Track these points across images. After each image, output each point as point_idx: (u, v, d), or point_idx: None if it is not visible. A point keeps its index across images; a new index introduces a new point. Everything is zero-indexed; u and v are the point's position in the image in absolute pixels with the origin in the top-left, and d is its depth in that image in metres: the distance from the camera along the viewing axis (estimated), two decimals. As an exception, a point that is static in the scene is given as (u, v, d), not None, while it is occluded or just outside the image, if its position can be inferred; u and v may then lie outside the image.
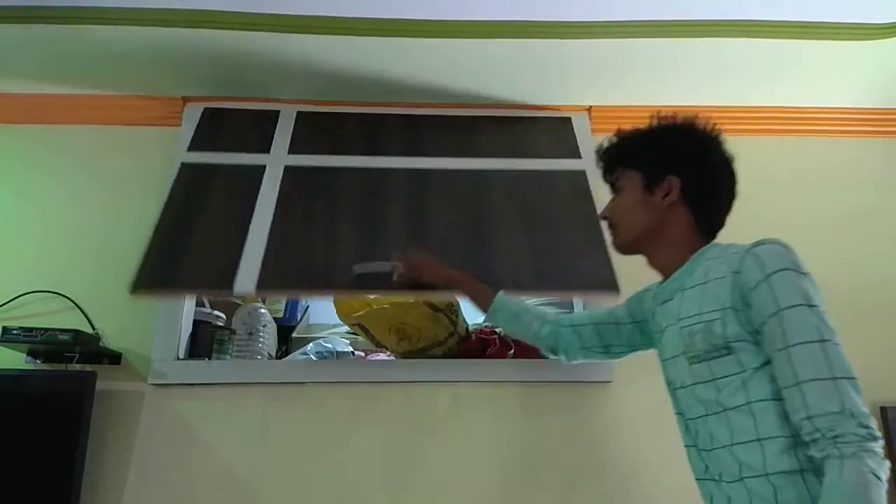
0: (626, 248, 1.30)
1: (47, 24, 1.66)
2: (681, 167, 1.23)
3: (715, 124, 1.26)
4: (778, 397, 1.01)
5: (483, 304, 1.56)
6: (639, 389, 1.77)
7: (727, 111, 2.01)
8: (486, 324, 1.80)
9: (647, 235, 1.25)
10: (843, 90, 2.02)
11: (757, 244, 1.08)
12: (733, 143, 1.27)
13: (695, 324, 1.11)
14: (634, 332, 1.41)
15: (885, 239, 1.95)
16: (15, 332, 1.53)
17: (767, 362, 1.03)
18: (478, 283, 1.58)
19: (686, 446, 1.17)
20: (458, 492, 1.66)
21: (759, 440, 1.01)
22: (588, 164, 1.92)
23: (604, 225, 1.38)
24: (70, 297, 1.74)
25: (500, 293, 1.54)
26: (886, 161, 2.10)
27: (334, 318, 1.94)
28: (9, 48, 1.75)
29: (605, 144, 1.34)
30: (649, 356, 1.78)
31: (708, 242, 1.22)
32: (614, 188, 1.32)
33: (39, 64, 1.83)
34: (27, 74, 1.88)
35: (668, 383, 1.23)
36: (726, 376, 1.06)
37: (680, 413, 1.18)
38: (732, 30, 1.74)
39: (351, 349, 1.96)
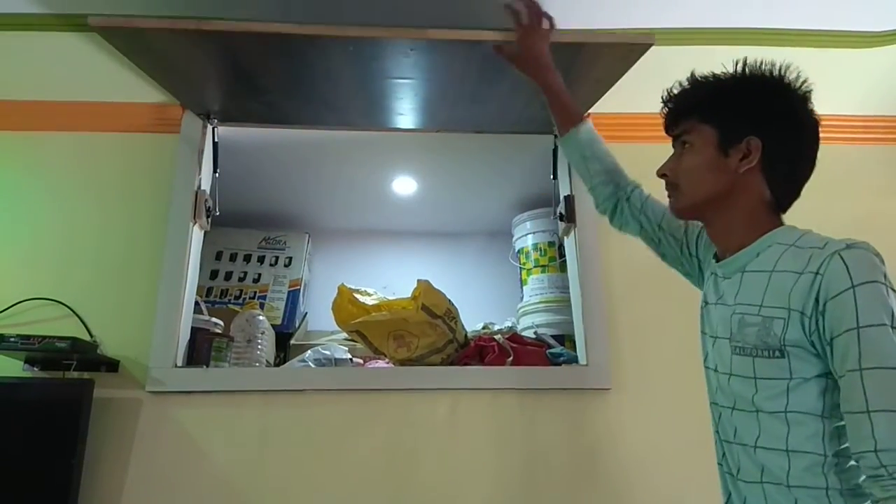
0: (685, 213, 1.16)
1: (45, 31, 1.66)
2: (766, 128, 1.05)
3: (807, 79, 1.08)
4: (821, 413, 0.94)
5: (562, 124, 1.42)
6: (637, 397, 1.77)
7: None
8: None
9: (712, 202, 1.09)
10: (845, 97, 2.02)
11: (847, 246, 0.94)
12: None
13: (751, 315, 1.00)
14: (694, 265, 1.27)
15: (887, 246, 1.94)
16: (12, 339, 1.52)
17: (821, 375, 0.94)
18: (567, 100, 1.42)
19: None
20: (457, 499, 1.65)
21: (787, 451, 0.95)
22: (577, 182, 1.94)
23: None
24: (68, 304, 1.73)
25: (587, 123, 1.40)
26: (888, 167, 2.10)
27: (333, 325, 1.94)
28: (5, 55, 1.76)
29: (675, 90, 1.15)
30: (650, 362, 1.79)
31: (778, 220, 1.08)
32: (678, 142, 1.15)
33: (37, 71, 1.83)
34: (25, 81, 1.88)
35: (704, 358, 1.15)
36: (769, 378, 0.97)
37: (708, 391, 1.12)
38: (733, 38, 1.74)
39: (349, 356, 1.95)
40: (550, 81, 1.43)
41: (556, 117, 1.45)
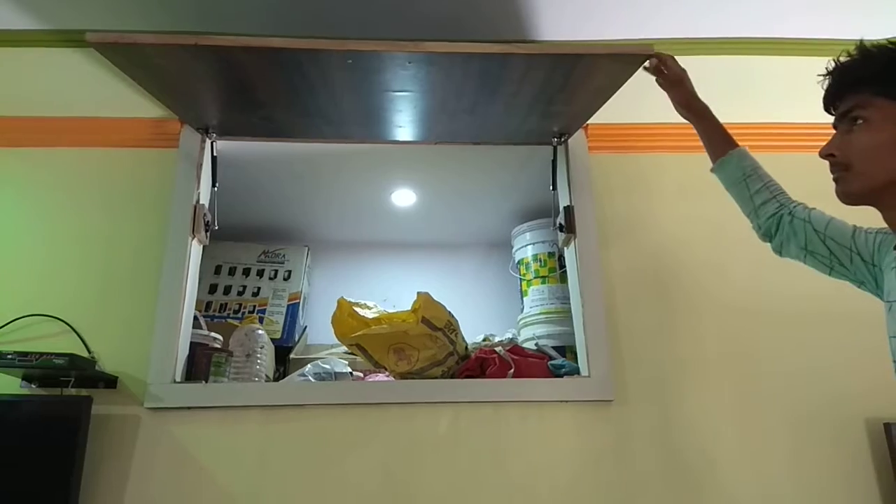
0: (857, 198, 1.03)
1: (42, 47, 1.67)
2: None
3: None
4: None
5: (714, 152, 1.40)
6: (640, 409, 1.76)
7: (746, 128, 1.94)
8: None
9: (893, 185, 0.98)
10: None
11: None
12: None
13: None
14: (868, 272, 1.15)
15: None
16: (10, 356, 1.50)
17: None
18: (719, 128, 1.40)
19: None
20: (459, 514, 1.64)
21: None
22: (577, 192, 1.95)
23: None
24: (65, 320, 1.72)
25: (740, 149, 1.36)
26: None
27: (332, 338, 1.93)
28: (11, 72, 1.76)
29: (840, 62, 1.04)
30: (652, 373, 1.78)
31: None
32: (846, 118, 1.03)
33: (34, 87, 1.83)
34: (23, 97, 1.88)
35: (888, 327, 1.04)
36: None
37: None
38: (732, 48, 1.74)
39: (349, 370, 1.94)
40: (694, 111, 1.45)
41: (705, 145, 1.44)
